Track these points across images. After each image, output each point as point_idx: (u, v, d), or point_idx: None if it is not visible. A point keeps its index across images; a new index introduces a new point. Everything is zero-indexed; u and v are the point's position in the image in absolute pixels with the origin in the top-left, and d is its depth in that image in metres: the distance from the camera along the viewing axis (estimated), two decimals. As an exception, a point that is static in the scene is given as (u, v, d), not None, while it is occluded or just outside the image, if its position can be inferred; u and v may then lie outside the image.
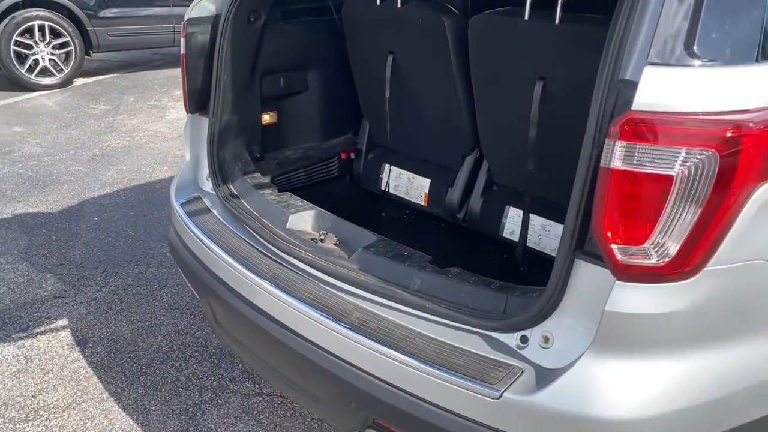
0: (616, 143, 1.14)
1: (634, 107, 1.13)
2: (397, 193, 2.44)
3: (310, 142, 2.46)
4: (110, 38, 6.87)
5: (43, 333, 2.71)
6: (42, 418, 2.25)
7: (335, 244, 1.79)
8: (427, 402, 1.38)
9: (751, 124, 1.12)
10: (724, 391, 1.30)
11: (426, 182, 2.33)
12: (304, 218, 1.90)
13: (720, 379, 1.30)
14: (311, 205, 1.97)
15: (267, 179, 2.18)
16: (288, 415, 2.27)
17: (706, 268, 1.19)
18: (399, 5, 2.10)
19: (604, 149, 1.16)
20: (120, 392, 2.38)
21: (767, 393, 1.36)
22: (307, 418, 2.26)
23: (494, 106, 2.03)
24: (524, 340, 1.37)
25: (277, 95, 2.32)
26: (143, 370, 2.49)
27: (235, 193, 2.06)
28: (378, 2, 2.18)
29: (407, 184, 2.39)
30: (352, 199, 2.46)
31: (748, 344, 1.31)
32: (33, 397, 2.35)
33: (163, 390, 2.39)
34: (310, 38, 2.34)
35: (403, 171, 2.41)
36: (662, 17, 1.14)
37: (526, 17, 1.80)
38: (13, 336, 2.69)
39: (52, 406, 2.31)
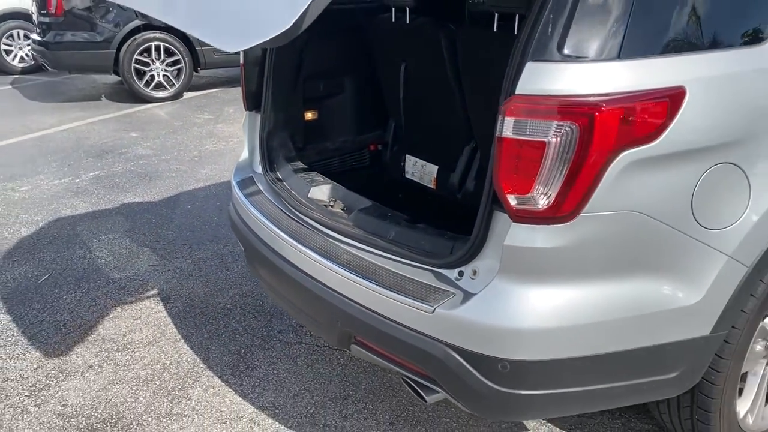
0: (506, 118, 1.56)
1: (517, 91, 1.55)
2: (413, 179, 2.90)
3: (344, 136, 2.97)
4: (215, 57, 7.74)
5: (136, 291, 3.35)
6: (129, 350, 2.86)
7: (341, 209, 2.28)
8: (388, 318, 1.83)
9: (603, 105, 1.50)
10: (605, 318, 1.67)
11: (435, 168, 2.78)
12: (322, 190, 2.40)
13: (600, 308, 1.66)
14: (330, 180, 2.46)
15: (305, 164, 2.70)
16: (320, 359, 2.76)
17: (581, 214, 1.58)
18: (407, 21, 2.58)
19: (498, 123, 1.58)
20: (190, 336, 2.96)
21: (645, 328, 1.71)
22: (335, 362, 2.74)
23: (480, 105, 2.45)
24: (461, 274, 1.79)
25: (317, 96, 2.84)
26: (210, 321, 3.07)
27: (278, 173, 2.59)
28: (392, 19, 2.66)
29: (421, 171, 2.84)
30: (377, 182, 2.94)
31: (627, 282, 1.67)
32: (124, 335, 2.98)
33: (223, 336, 2.96)
34: (344, 50, 2.85)
35: (418, 160, 2.87)
36: (541, 27, 1.55)
37: (495, 29, 2.23)
38: (113, 292, 3.35)
39: (137, 342, 2.92)
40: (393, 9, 2.64)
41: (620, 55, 1.55)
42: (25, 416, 2.45)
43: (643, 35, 1.57)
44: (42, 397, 2.55)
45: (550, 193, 1.56)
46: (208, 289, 3.36)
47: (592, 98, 1.51)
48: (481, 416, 2.32)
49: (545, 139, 1.53)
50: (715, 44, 1.69)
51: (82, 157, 5.58)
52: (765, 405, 2.20)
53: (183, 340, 2.93)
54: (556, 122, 1.52)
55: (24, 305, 3.22)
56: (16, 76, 9.46)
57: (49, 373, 2.70)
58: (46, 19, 7.33)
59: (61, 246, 3.86)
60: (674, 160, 1.61)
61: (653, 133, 1.56)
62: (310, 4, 1.31)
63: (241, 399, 2.53)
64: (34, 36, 7.73)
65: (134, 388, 2.61)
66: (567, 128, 1.51)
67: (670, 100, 1.57)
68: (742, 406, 2.11)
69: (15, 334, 2.98)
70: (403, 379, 1.96)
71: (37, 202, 4.54)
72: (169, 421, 2.42)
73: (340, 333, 2.01)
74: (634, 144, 1.55)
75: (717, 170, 1.69)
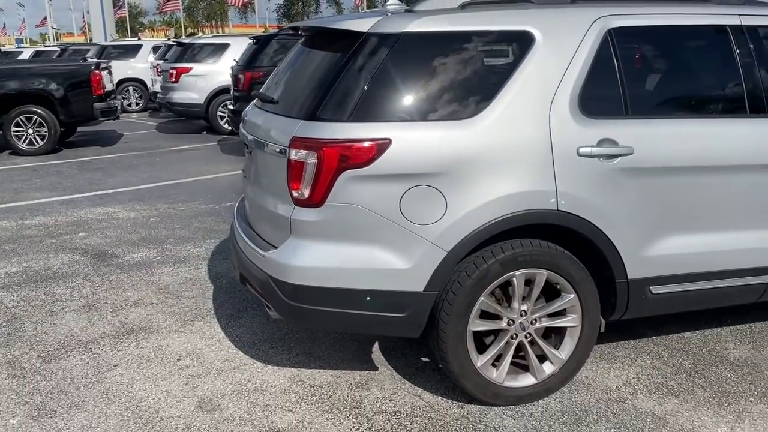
0: (290, 149, 2.93)
1: (295, 134, 2.92)
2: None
3: None
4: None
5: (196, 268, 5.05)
6: (184, 297, 4.53)
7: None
8: (252, 263, 3.24)
9: (330, 145, 2.81)
10: (349, 265, 2.89)
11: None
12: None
13: (345, 259, 2.91)
14: None
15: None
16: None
17: (326, 203, 2.88)
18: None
19: (287, 151, 2.95)
20: (222, 305, 4.55)
21: (376, 276, 2.88)
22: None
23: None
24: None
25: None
26: (240, 294, 4.64)
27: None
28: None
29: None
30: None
31: (362, 246, 2.89)
32: (178, 296, 4.66)
33: (251, 303, 4.50)
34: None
35: None
36: (307, 105, 2.92)
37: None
38: (176, 265, 5.08)
39: (191, 296, 4.58)
40: None
41: (349, 120, 2.86)
42: (101, 317, 4.19)
43: (366, 109, 2.86)
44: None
45: (308, 190, 2.90)
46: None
47: (326, 140, 2.84)
48: (289, 323, 3.61)
49: (306, 161, 2.88)
50: (414, 117, 2.90)
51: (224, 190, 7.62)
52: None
53: (218, 305, 4.53)
54: (310, 152, 2.87)
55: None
56: (224, 135, 12.31)
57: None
58: (237, 93, 9.79)
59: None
60: (384, 178, 2.84)
61: (366, 162, 2.83)
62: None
63: (227, 334, 4.04)
64: (230, 105, 10.26)
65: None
66: (314, 156, 2.85)
67: (378, 145, 2.83)
68: (483, 358, 3.12)
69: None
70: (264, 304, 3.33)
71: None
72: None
73: (240, 275, 3.44)
74: (352, 167, 2.83)
75: (419, 188, 2.87)
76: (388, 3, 3.43)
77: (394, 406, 3.21)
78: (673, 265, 3.23)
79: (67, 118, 10.96)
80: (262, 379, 3.47)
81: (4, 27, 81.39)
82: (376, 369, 3.57)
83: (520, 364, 3.22)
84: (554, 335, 3.25)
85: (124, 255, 5.55)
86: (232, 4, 53.42)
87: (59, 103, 10.75)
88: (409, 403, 3.24)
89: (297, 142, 2.89)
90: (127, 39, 25.68)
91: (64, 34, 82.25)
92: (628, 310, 3.27)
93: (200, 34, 46.86)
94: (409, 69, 2.94)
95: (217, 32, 63.40)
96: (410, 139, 2.87)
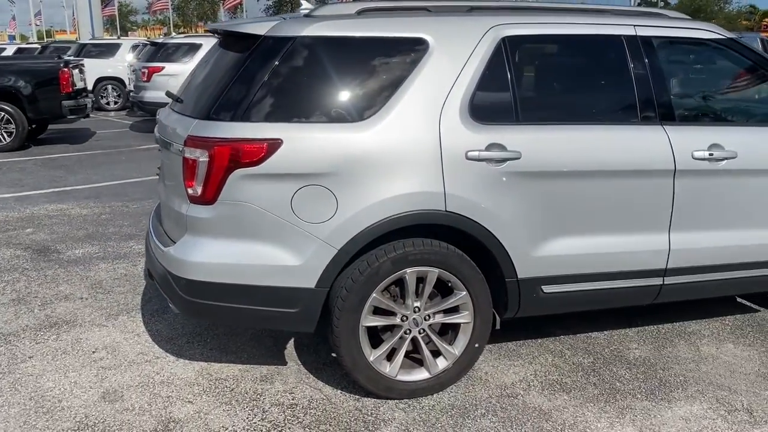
0: (185, 147, 3.03)
1: (189, 133, 3.02)
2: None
3: None
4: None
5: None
6: (115, 292, 4.61)
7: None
8: (156, 259, 3.33)
9: (221, 144, 2.92)
10: (241, 261, 2.99)
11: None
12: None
13: (238, 255, 3.00)
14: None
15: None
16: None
17: (218, 201, 2.98)
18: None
19: (183, 149, 3.05)
20: (149, 300, 4.64)
21: (268, 273, 2.98)
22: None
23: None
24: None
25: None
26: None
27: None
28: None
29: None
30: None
31: (256, 243, 2.99)
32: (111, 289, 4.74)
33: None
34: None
35: None
36: (203, 104, 3.02)
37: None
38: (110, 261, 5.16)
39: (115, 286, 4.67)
40: None
41: (241, 120, 2.96)
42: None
43: (259, 110, 2.96)
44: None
45: (201, 187, 3.00)
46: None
47: (218, 139, 2.94)
48: (187, 316, 3.70)
49: (198, 159, 2.98)
50: (306, 118, 3.00)
51: None
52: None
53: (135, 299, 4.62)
54: (202, 150, 2.97)
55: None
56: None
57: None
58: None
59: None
60: (276, 177, 2.95)
61: (256, 161, 2.93)
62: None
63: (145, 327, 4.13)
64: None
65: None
66: (205, 155, 2.96)
67: (269, 145, 2.94)
68: (376, 352, 3.22)
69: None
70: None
71: (128, 213, 6.61)
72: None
73: (147, 270, 3.54)
74: (243, 166, 2.94)
75: (310, 187, 2.97)
76: (302, 6, 3.54)
77: (293, 399, 3.31)
78: (563, 265, 3.35)
79: (34, 116, 11.02)
80: (171, 372, 3.56)
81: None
82: (285, 364, 3.67)
83: (418, 359, 3.33)
84: (451, 331, 3.36)
85: (66, 251, 5.63)
86: (227, 7, 53.59)
87: (27, 101, 10.81)
88: (308, 396, 3.34)
89: (190, 141, 2.99)
90: (106, 38, 25.63)
91: (57, 31, 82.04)
92: (521, 308, 3.39)
93: (186, 33, 46.84)
94: (303, 72, 3.04)
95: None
96: (302, 139, 2.97)
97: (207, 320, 3.81)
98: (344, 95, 3.05)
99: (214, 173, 2.94)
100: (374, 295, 3.12)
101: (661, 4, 74.52)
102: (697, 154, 3.41)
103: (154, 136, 3.63)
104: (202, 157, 2.95)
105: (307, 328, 3.17)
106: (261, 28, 3.12)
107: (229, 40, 3.42)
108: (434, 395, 3.33)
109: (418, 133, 3.07)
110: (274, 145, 2.93)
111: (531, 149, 3.19)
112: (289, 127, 2.98)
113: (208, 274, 3.04)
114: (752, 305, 4.53)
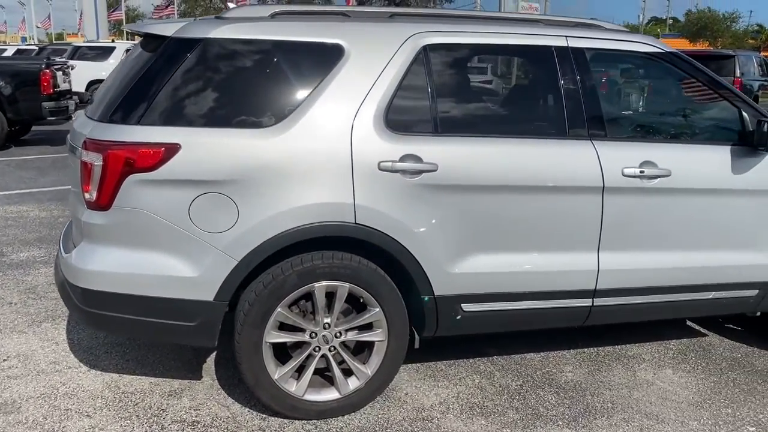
0: (82, 150, 2.90)
1: (87, 136, 2.89)
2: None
3: None
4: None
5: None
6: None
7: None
8: (60, 270, 3.20)
9: (115, 147, 2.79)
10: (134, 271, 2.86)
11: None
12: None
13: (132, 264, 2.87)
14: None
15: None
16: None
17: (113, 207, 2.85)
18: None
19: (81, 153, 2.93)
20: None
21: (161, 284, 2.85)
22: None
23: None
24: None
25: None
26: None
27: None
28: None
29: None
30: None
31: (152, 251, 2.85)
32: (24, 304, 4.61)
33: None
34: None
35: None
36: (103, 108, 2.90)
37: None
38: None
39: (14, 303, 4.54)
40: None
41: (138, 123, 2.83)
42: None
43: (158, 113, 2.83)
44: None
45: (96, 192, 2.87)
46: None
47: (112, 143, 2.81)
48: (87, 327, 3.57)
49: (93, 163, 2.86)
50: (208, 123, 2.87)
51: None
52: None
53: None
54: (97, 154, 2.84)
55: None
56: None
57: None
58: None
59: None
60: (173, 184, 2.81)
61: (153, 166, 2.80)
62: None
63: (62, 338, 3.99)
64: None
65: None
66: (100, 158, 2.83)
67: (166, 149, 2.81)
68: (282, 370, 3.08)
69: None
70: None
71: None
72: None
73: (56, 278, 3.41)
74: (138, 171, 2.81)
75: (210, 195, 2.84)
76: (229, 6, 3.42)
77: (196, 416, 3.17)
78: (484, 283, 3.21)
79: (14, 117, 10.95)
80: (78, 384, 3.42)
81: (4, 23, 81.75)
82: (199, 378, 3.53)
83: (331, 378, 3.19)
84: (367, 350, 3.22)
85: (11, 254, 5.51)
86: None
87: (6, 102, 10.75)
88: (213, 413, 3.19)
89: (87, 144, 2.87)
90: (101, 41, 25.69)
91: (69, 34, 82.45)
92: (440, 327, 3.24)
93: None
94: (209, 75, 2.92)
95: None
96: (202, 145, 2.84)
97: (106, 332, 3.67)
98: (251, 100, 2.93)
99: (108, 178, 2.81)
100: (279, 309, 2.98)
101: (670, 21, 74.63)
102: (627, 171, 3.27)
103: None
104: (97, 161, 2.83)
105: (208, 343, 3.03)
106: (169, 29, 3.00)
107: (144, 41, 3.30)
108: (345, 416, 3.18)
109: (329, 141, 2.94)
110: (171, 149, 2.81)
111: (449, 162, 3.05)
112: (189, 131, 2.85)
113: (104, 283, 2.91)
114: (701, 329, 4.37)
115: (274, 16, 3.07)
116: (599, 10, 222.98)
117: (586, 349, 4.00)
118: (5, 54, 22.11)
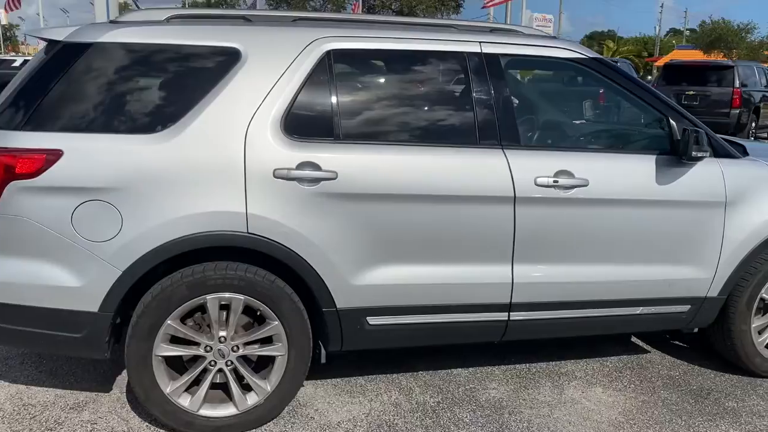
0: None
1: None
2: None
3: None
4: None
5: None
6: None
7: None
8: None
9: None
10: (22, 281, 2.76)
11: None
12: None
13: (16, 275, 2.78)
14: None
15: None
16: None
17: None
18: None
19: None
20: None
21: (43, 294, 2.76)
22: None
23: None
24: None
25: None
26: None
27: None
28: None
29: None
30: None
31: (29, 262, 2.77)
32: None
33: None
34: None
35: None
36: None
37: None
38: None
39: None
40: None
41: (20, 128, 2.75)
42: None
43: (41, 118, 2.75)
44: None
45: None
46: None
47: (-4, 150, 2.75)
48: None
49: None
50: (93, 128, 2.79)
51: None
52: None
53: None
54: (-16, 161, 2.76)
55: None
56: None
57: None
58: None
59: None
60: (55, 191, 2.73)
61: (33, 173, 2.72)
62: None
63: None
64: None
65: None
66: (-7, 166, 2.74)
67: (48, 155, 2.73)
68: (174, 384, 2.96)
69: None
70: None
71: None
72: None
73: None
74: (19, 177, 2.73)
75: (93, 203, 2.76)
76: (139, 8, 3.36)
77: (91, 430, 3.07)
78: (391, 295, 3.09)
79: None
80: (-19, 396, 3.34)
81: (24, 37, 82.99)
82: (108, 391, 3.45)
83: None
84: (271, 364, 3.11)
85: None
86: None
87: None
88: (110, 427, 3.10)
89: None
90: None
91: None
92: (345, 341, 3.13)
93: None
94: (96, 80, 2.85)
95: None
96: (85, 150, 2.76)
97: (-3, 343, 3.59)
98: (139, 105, 2.86)
99: (-9, 186, 2.73)
100: (169, 322, 2.88)
101: (687, 33, 74.05)
102: (540, 180, 3.14)
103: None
104: (-15, 167, 2.75)
105: (97, 355, 2.94)
106: (61, 33, 2.93)
107: (47, 46, 3.23)
108: (243, 433, 3.07)
109: (219, 148, 2.85)
110: (53, 156, 2.73)
111: (349, 170, 2.95)
112: (72, 137, 2.77)
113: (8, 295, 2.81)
114: (644, 345, 4.21)
115: (169, 20, 3.00)
116: (616, 22, 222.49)
117: (517, 365, 3.87)
118: (14, 64, 22.42)
